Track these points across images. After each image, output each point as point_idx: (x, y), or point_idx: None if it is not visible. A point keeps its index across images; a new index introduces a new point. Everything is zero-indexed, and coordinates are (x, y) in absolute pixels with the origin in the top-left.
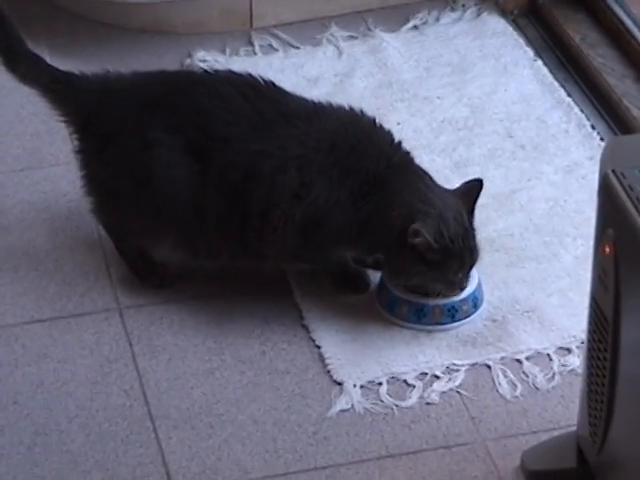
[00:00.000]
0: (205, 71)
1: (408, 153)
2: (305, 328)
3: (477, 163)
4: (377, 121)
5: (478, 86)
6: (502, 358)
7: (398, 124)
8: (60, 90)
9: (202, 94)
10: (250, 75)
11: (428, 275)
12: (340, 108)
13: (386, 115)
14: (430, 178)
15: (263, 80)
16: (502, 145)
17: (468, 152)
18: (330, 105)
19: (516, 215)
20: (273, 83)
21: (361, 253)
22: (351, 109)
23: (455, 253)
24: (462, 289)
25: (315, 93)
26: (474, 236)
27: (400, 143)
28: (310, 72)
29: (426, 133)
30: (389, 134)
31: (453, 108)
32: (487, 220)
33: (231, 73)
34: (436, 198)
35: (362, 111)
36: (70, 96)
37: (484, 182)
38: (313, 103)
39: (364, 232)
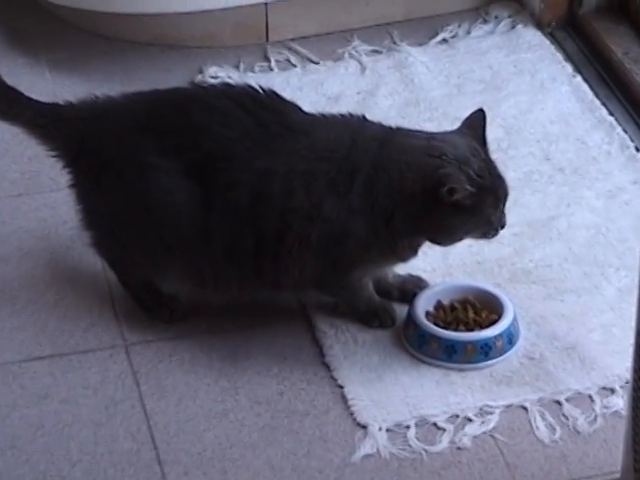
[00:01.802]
0: (198, 86)
1: (397, 128)
2: (326, 366)
3: (512, 187)
4: (366, 117)
5: (512, 104)
6: (540, 399)
7: None
8: (47, 124)
9: (197, 110)
10: (248, 85)
11: (471, 222)
12: (330, 116)
13: None
14: (422, 131)
15: (262, 90)
16: (539, 168)
17: None
18: (321, 114)
19: (554, 244)
20: (274, 92)
21: (394, 257)
22: (341, 115)
23: (488, 188)
24: (504, 225)
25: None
26: (496, 166)
27: (389, 127)
28: (331, 89)
29: None
30: (378, 124)
31: (487, 130)
32: (523, 250)
33: (227, 86)
34: (441, 143)
35: (350, 113)
36: (58, 129)
37: (521, 210)
38: (306, 113)
39: (389, 225)
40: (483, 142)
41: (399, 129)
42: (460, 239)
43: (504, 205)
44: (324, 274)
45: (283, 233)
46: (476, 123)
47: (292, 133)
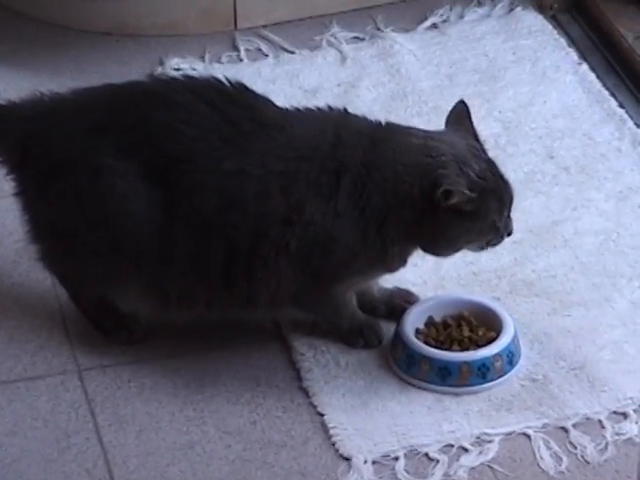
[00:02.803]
0: (159, 79)
1: (389, 124)
2: (304, 392)
3: None
4: (348, 110)
5: (511, 96)
6: (544, 425)
7: None
8: None
9: (157, 107)
10: (213, 78)
11: (473, 230)
12: (307, 110)
13: None
14: (418, 129)
15: (230, 82)
16: (541, 168)
17: None
18: (296, 109)
19: (559, 252)
20: (244, 85)
21: (382, 267)
22: (318, 108)
23: (491, 191)
24: (510, 232)
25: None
26: (495, 164)
27: (378, 121)
28: (307, 82)
29: None
30: (364, 118)
31: (482, 124)
32: (524, 259)
33: (190, 78)
34: (440, 143)
35: (330, 106)
36: None
37: (522, 214)
38: (280, 108)
39: (381, 231)
40: (475, 139)
41: (391, 125)
42: (460, 249)
43: (509, 210)
44: (304, 288)
45: (257, 242)
46: (462, 118)
47: (265, 130)
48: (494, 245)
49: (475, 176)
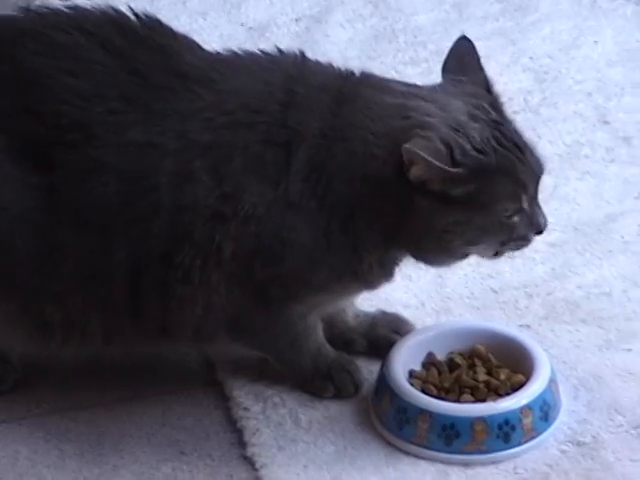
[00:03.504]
0: (34, 12)
1: (364, 75)
2: (249, 463)
3: (547, 170)
4: (307, 56)
5: (547, 36)
6: None
7: None
8: None
9: (32, 52)
10: (113, 9)
11: (472, 224)
12: (249, 55)
13: None
14: (400, 82)
15: (137, 16)
16: (591, 138)
17: None
18: (236, 54)
19: (617, 259)
20: (156, 20)
21: (356, 282)
22: (266, 53)
23: (497, 168)
24: (541, 228)
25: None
26: (516, 131)
27: (349, 72)
28: (252, 15)
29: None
30: (329, 67)
31: (504, 74)
32: (566, 270)
33: (78, 10)
34: (424, 101)
35: (282, 51)
36: None
37: (562, 205)
38: (209, 53)
39: (348, 229)
40: (487, 89)
41: (366, 77)
42: (462, 256)
43: (535, 194)
44: (244, 310)
45: (176, 247)
46: (466, 62)
47: (187, 84)
48: (516, 249)
49: (471, 147)
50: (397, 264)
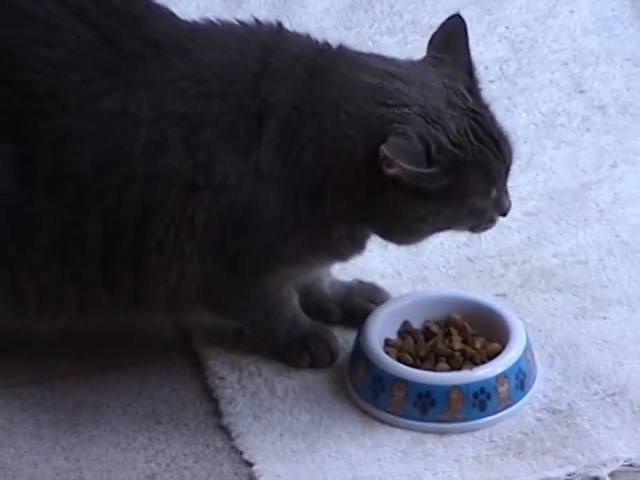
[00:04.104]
0: None
1: (341, 48)
2: (225, 432)
3: (522, 139)
4: (284, 26)
5: (524, 4)
6: (569, 475)
7: None
8: None
9: (2, 19)
10: None
11: (443, 214)
12: (224, 25)
13: None
14: (379, 58)
15: None
16: (567, 107)
17: (507, 121)
18: (212, 24)
19: (592, 228)
20: None
21: (327, 253)
22: (242, 23)
23: (471, 163)
24: (505, 211)
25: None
26: (491, 117)
27: (326, 44)
28: None
29: None
30: (306, 38)
31: (481, 44)
32: (541, 238)
33: None
34: (403, 83)
35: (259, 21)
36: None
37: (538, 174)
38: (183, 22)
39: (316, 202)
40: (470, 73)
41: (342, 51)
42: (425, 237)
43: (504, 181)
44: (217, 281)
45: (149, 217)
46: (453, 42)
47: (161, 53)
48: (482, 231)
49: (448, 140)
50: (368, 237)
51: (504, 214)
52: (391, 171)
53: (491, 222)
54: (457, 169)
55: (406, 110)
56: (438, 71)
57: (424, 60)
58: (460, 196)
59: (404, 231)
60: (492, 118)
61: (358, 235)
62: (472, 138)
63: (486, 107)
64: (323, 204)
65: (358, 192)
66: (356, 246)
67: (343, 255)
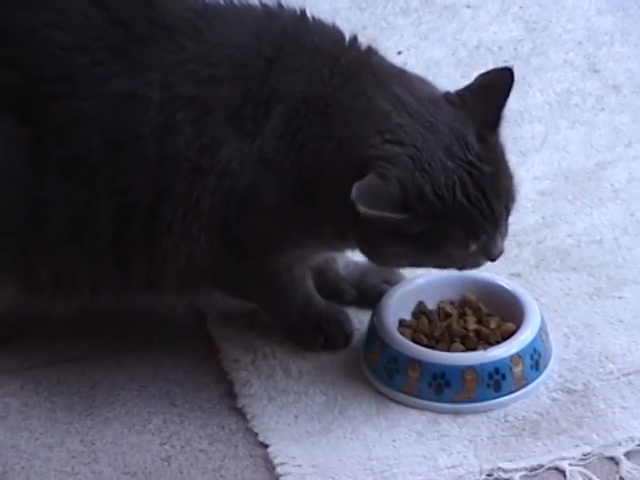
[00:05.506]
0: None
1: (370, 50)
2: (240, 414)
3: (537, 119)
4: (307, 14)
5: None
6: (585, 455)
7: (399, 53)
8: None
9: (11, 5)
10: None
11: (417, 255)
12: (245, 7)
13: (377, 39)
14: (401, 76)
15: None
16: (581, 87)
17: (521, 101)
18: (230, 4)
19: (607, 207)
20: None
21: (322, 244)
22: (265, 6)
23: (450, 216)
24: (493, 257)
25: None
26: (493, 171)
27: (354, 39)
28: None
29: (447, 68)
30: (333, 30)
31: (495, 24)
32: (556, 218)
33: None
34: (409, 119)
35: (281, 5)
36: None
37: (553, 154)
38: (200, 4)
39: (311, 197)
40: (492, 126)
41: (369, 54)
42: (402, 267)
43: (495, 229)
44: (225, 262)
45: (159, 198)
46: (493, 90)
47: (171, 35)
48: (469, 269)
49: (431, 190)
50: None
51: (492, 260)
52: (361, 209)
53: (476, 265)
54: (434, 219)
55: (399, 150)
56: (454, 112)
57: (447, 95)
58: (436, 244)
59: (379, 261)
60: (493, 174)
61: (349, 236)
62: (458, 193)
63: (493, 160)
64: (315, 201)
65: (344, 208)
66: (349, 243)
67: (338, 249)
